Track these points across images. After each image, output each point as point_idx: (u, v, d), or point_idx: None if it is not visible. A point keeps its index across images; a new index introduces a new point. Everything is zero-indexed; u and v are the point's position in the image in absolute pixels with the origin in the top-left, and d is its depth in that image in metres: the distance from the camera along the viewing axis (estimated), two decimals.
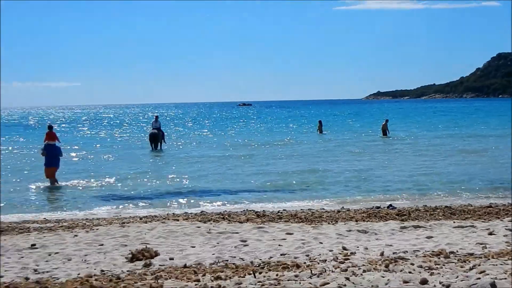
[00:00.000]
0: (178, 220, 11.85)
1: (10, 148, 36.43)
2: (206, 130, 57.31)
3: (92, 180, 21.04)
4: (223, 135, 49.20)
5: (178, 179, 20.93)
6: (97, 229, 11.01)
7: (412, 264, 7.02)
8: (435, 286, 5.86)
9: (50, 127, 20.84)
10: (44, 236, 10.44)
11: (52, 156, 19.27)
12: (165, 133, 35.31)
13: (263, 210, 13.34)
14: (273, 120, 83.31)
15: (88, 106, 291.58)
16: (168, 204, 15.97)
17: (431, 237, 9.33)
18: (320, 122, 48.89)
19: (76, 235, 10.39)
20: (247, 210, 13.62)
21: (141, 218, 12.47)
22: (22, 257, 8.70)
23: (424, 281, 6.00)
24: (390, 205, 13.80)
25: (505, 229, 9.73)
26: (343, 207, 13.85)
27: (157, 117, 34.20)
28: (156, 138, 32.49)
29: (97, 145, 38.71)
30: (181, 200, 16.45)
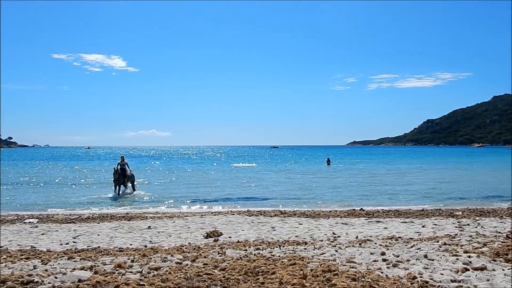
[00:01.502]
0: (234, 214, 11.90)
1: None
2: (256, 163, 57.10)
3: (181, 190, 21.32)
4: (274, 165, 48.34)
5: (235, 189, 20.79)
6: (187, 218, 11.13)
7: (375, 243, 6.96)
8: (389, 256, 5.76)
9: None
10: (155, 221, 10.60)
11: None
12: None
13: (285, 210, 13.23)
14: (297, 157, 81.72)
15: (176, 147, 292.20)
16: (228, 205, 15.83)
17: (386, 228, 9.23)
18: (328, 159, 49.77)
19: (174, 222, 10.53)
20: (275, 209, 13.52)
21: (212, 213, 12.53)
22: (142, 234, 8.89)
23: (383, 253, 5.93)
24: (362, 208, 13.36)
25: (432, 224, 9.56)
26: (332, 210, 13.52)
27: (122, 157, 19.92)
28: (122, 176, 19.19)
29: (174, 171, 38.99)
30: (236, 203, 16.35)
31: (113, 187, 19.36)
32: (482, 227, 8.80)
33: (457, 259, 5.31)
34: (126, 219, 11.24)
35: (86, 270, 5.13)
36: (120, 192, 19.06)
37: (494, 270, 4.76)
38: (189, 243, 7.60)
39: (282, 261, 5.40)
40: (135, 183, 20.26)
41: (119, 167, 19.14)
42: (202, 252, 6.30)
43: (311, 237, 8.02)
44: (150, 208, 14.90)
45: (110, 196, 18.41)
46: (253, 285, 4.27)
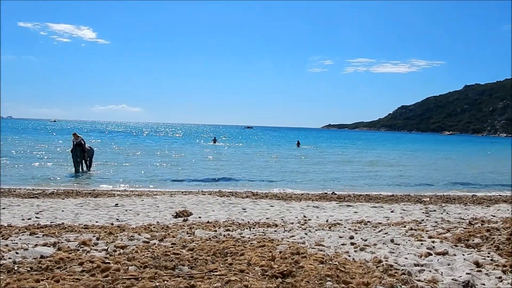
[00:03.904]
0: (204, 194, 11.92)
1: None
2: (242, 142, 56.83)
3: (151, 168, 21.10)
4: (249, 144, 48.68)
5: (206, 169, 20.87)
6: (156, 197, 11.08)
7: (345, 227, 7.10)
8: (357, 240, 5.92)
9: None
10: (123, 199, 10.52)
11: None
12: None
13: (257, 192, 13.32)
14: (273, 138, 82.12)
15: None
16: (199, 184, 15.89)
17: (357, 212, 9.40)
18: (298, 141, 50.93)
19: (142, 200, 10.46)
20: (247, 191, 13.58)
21: (182, 192, 12.52)
22: (109, 211, 8.82)
23: (351, 237, 6.08)
24: (333, 192, 13.54)
25: (401, 209, 9.83)
26: (306, 193, 13.66)
27: (75, 134, 18.32)
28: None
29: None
30: (206, 183, 16.40)
31: (73, 169, 18.28)
32: (447, 213, 9.16)
33: (421, 244, 5.51)
34: (93, 195, 11.09)
35: (49, 246, 5.06)
36: (85, 169, 18.50)
37: (455, 255, 4.99)
38: (158, 222, 7.58)
39: (251, 243, 5.47)
40: (93, 159, 19.22)
41: (75, 145, 17.89)
42: (171, 232, 6.30)
43: (282, 219, 8.12)
44: (118, 186, 14.72)
45: (75, 174, 17.96)
46: (221, 266, 4.33)
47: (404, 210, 9.69)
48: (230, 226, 7.06)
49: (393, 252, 5.10)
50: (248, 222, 7.72)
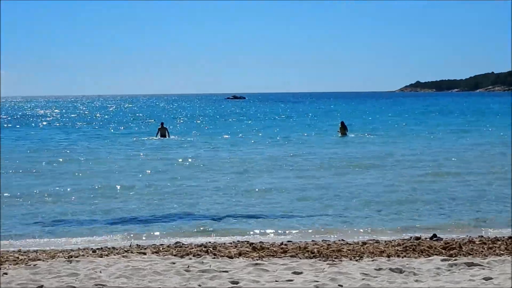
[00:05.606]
0: (145, 253, 11.88)
1: None
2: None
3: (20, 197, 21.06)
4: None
5: (143, 196, 21.12)
6: (35, 265, 10.86)
7: None
8: None
9: None
10: None
11: None
12: None
13: (261, 242, 13.32)
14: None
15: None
16: (131, 231, 15.92)
17: (490, 278, 9.27)
18: (342, 123, 50.18)
19: (5, 273, 10.18)
20: (239, 241, 13.54)
21: (94, 251, 12.45)
22: None
23: None
24: (434, 235, 13.60)
25: None
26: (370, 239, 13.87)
27: None
28: None
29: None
30: (148, 227, 16.48)
31: None
32: None
33: None
34: None
35: None
36: None
37: None
38: None
39: None
40: None
41: None
42: None
43: None
44: None
45: None
46: None
47: None
48: None
49: None
50: None
